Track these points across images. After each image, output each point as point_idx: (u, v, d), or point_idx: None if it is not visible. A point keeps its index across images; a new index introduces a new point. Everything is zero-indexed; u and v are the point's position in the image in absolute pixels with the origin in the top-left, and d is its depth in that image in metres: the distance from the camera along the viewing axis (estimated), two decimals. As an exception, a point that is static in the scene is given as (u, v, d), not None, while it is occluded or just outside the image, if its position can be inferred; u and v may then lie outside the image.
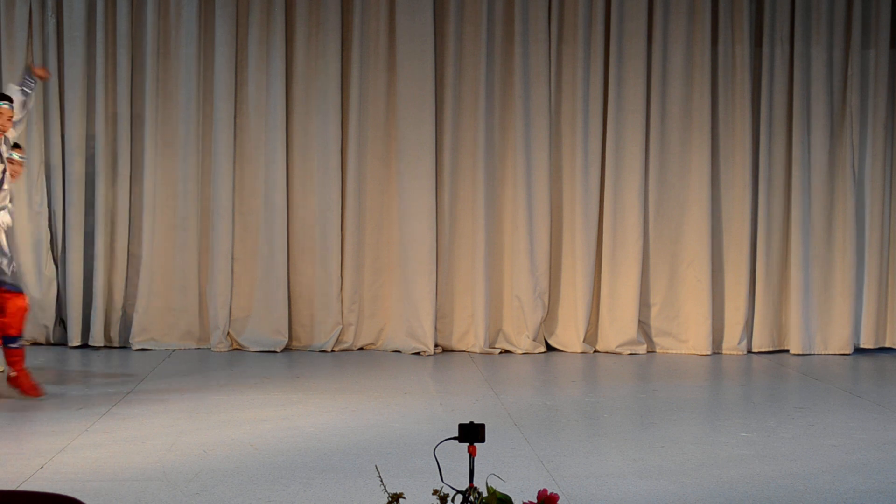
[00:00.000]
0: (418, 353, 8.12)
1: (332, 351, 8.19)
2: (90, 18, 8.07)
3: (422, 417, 5.98)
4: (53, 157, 8.09)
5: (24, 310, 6.34)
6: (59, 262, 8.15)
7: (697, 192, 8.29)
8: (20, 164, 6.58)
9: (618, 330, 8.29)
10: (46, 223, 8.10)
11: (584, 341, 8.29)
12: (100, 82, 8.04)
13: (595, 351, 8.33)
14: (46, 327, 8.16)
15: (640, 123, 8.26)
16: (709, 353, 8.27)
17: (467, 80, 8.23)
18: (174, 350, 8.11)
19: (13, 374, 6.31)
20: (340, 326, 8.22)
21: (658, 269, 8.35)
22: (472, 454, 3.10)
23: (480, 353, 8.20)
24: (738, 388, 7.29)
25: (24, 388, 6.30)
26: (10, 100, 6.34)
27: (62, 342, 8.19)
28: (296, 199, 8.23)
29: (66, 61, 8.05)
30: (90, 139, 8.11)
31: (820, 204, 8.34)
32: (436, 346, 8.20)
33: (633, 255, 8.27)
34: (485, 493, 2.98)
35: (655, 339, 8.37)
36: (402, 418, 5.94)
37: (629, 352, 8.26)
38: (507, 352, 8.28)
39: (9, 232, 6.38)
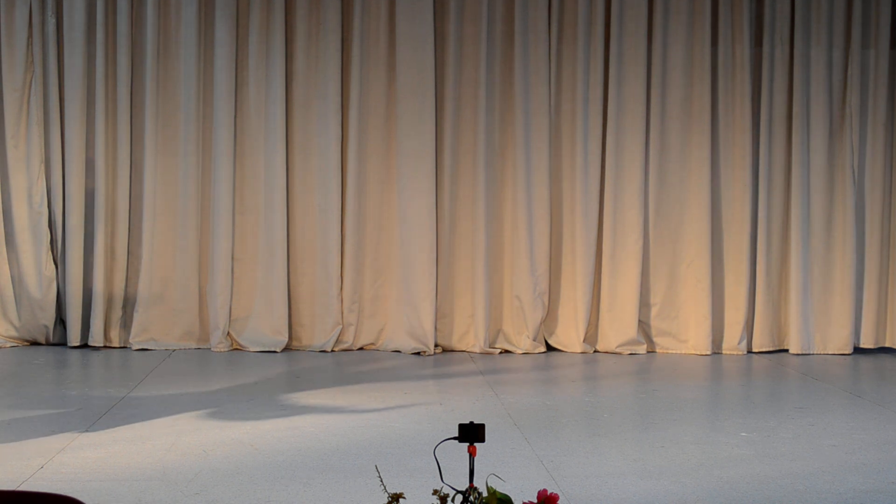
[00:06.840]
0: (418, 353, 8.12)
1: (332, 351, 8.19)
2: (90, 18, 8.07)
3: (422, 417, 5.98)
4: (53, 157, 8.09)
5: None
6: (59, 262, 8.14)
7: (697, 192, 8.29)
8: None
9: (618, 330, 8.29)
10: (46, 223, 8.10)
11: (584, 341, 8.29)
12: (100, 82, 8.04)
13: (595, 351, 8.33)
14: (46, 327, 8.16)
15: (640, 123, 8.26)
16: (709, 353, 8.27)
17: (467, 80, 8.23)
18: (174, 350, 8.11)
19: None
20: (340, 326, 8.22)
21: (658, 269, 8.35)
22: (472, 454, 3.10)
23: (480, 353, 8.20)
24: (738, 388, 7.29)
25: None
26: None
27: (62, 342, 8.19)
28: (296, 199, 8.23)
29: (66, 61, 8.05)
30: (90, 139, 8.11)
31: (820, 204, 8.34)
32: (436, 346, 8.20)
33: (633, 254, 8.27)
34: (485, 493, 2.98)
35: (655, 339, 8.38)
36: (402, 418, 5.94)
37: (629, 352, 8.26)
38: (507, 352, 8.28)
39: None
